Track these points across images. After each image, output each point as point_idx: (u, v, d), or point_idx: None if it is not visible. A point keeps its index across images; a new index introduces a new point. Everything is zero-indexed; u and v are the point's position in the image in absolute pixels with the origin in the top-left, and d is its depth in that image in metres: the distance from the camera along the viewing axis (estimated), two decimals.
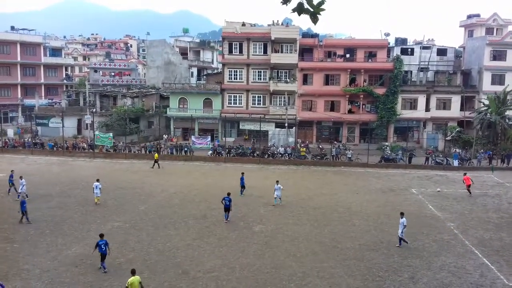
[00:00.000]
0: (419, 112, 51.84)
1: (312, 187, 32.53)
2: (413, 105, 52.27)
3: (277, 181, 26.84)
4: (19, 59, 66.26)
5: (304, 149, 45.44)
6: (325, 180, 35.69)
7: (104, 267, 16.39)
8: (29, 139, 49.71)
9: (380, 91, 50.99)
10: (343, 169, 40.48)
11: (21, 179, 26.64)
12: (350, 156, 43.30)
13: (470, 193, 30.39)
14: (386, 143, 49.49)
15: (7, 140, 49.50)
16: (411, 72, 59.29)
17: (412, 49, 62.03)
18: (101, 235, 16.93)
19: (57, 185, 31.18)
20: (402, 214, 19.93)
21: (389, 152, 44.73)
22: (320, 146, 47.48)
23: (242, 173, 29.95)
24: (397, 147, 47.14)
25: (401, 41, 64.67)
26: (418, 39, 75.47)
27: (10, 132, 55.16)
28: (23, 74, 67.63)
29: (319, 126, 53.52)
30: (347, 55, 52.64)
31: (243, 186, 29.10)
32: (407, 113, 51.18)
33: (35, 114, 58.98)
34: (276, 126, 50.78)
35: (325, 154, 44.42)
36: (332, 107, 52.34)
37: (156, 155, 40.43)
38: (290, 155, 44.63)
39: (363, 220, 23.81)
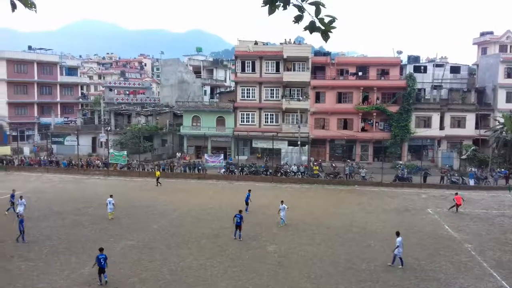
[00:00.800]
0: (433, 130, 51.40)
1: (326, 206, 32.26)
2: (427, 123, 51.88)
3: (282, 201, 26.57)
4: (36, 78, 67.61)
5: (317, 167, 45.24)
6: (339, 199, 35.41)
7: (101, 280, 16.75)
8: (45, 157, 50.38)
9: (393, 109, 50.78)
10: (357, 188, 40.12)
11: (21, 199, 26.11)
12: (363, 174, 42.93)
13: (457, 211, 30.53)
14: (400, 162, 49.06)
15: (23, 158, 50.24)
16: (425, 90, 59.01)
17: (425, 67, 61.90)
18: (101, 249, 17.21)
19: (71, 203, 31.41)
20: (397, 233, 19.77)
21: (403, 170, 44.27)
22: (333, 165, 47.22)
23: (249, 190, 29.95)
24: (411, 166, 46.73)
25: (413, 59, 64.66)
26: (431, 56, 75.43)
27: (26, 150, 55.99)
28: (39, 93, 68.91)
29: (332, 144, 53.33)
30: (360, 73, 52.69)
31: (247, 203, 29.09)
32: (421, 131, 50.76)
33: (51, 132, 59.79)
34: (289, 144, 50.75)
35: (338, 172, 44.14)
36: (345, 125, 52.22)
37: (157, 172, 41.17)
38: (303, 174, 44.47)
39: (378, 240, 23.46)
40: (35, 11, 3.56)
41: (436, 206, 32.87)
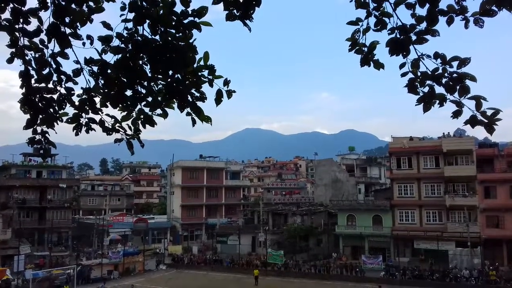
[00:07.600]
0: None
1: None
2: None
3: None
4: (205, 183, 75.64)
5: (494, 272, 39.24)
6: None
7: None
8: (210, 256, 54.10)
9: None
10: None
11: None
12: None
13: None
14: None
15: (191, 257, 54.74)
16: None
17: None
18: None
19: None
20: None
21: None
22: None
23: None
24: None
25: None
26: None
27: (195, 249, 61.08)
28: (207, 196, 76.38)
29: (511, 245, 46.11)
30: None
31: None
32: None
33: (216, 232, 64.52)
34: (457, 245, 45.57)
35: None
36: None
37: (256, 271, 41.65)
38: (477, 280, 38.94)
39: None
40: (211, 124, 4.52)
41: None
